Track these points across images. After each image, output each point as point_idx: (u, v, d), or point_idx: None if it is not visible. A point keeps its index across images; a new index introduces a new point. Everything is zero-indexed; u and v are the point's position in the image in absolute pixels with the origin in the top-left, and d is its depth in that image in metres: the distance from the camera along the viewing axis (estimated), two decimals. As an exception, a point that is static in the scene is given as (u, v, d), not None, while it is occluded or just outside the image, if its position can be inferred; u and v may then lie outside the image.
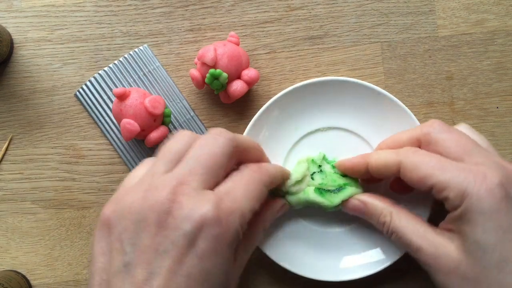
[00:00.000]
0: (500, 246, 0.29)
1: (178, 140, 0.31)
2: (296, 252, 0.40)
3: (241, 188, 0.30)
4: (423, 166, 0.32)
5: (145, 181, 0.29)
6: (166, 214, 0.27)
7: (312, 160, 0.39)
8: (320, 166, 0.39)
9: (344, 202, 0.37)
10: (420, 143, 0.34)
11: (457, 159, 0.32)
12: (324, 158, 0.39)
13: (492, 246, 0.29)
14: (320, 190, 0.37)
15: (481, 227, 0.29)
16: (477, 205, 0.29)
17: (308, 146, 0.42)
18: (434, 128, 0.33)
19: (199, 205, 0.27)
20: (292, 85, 0.41)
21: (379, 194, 0.37)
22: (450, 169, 0.31)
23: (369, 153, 0.37)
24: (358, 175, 0.37)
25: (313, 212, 0.41)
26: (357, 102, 0.41)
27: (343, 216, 0.41)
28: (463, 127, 0.35)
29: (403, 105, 0.39)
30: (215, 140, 0.30)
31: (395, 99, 0.40)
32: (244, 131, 0.42)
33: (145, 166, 0.31)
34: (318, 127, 0.42)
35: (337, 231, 0.41)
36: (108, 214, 0.28)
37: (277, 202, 0.37)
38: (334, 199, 0.37)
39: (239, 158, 0.33)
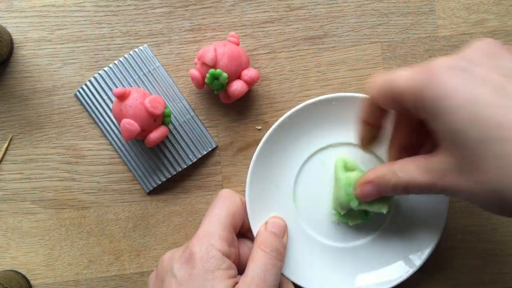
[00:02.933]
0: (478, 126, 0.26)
1: None
2: (310, 269, 0.41)
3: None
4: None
5: None
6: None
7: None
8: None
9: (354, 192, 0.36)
10: None
11: None
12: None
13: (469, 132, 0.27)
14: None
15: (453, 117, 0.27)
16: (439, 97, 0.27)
17: (320, 162, 0.41)
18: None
19: None
20: (292, 85, 0.41)
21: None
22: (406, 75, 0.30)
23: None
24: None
25: (326, 227, 0.41)
26: None
27: (356, 232, 0.41)
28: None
29: None
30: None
31: None
32: (243, 131, 0.42)
33: None
34: (329, 143, 0.41)
35: (350, 247, 0.41)
36: None
37: None
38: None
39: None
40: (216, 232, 0.35)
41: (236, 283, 0.34)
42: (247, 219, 0.40)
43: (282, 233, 0.39)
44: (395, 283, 0.40)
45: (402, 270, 0.40)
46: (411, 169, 0.32)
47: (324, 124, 0.41)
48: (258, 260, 0.35)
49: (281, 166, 0.41)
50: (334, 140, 0.41)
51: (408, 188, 0.32)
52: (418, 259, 0.40)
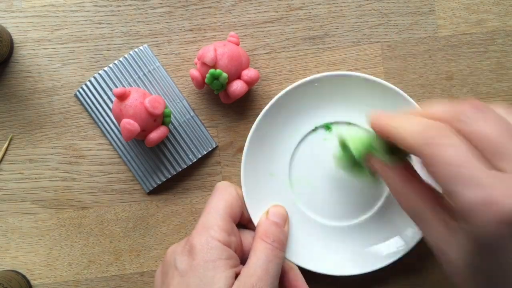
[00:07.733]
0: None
1: None
2: (314, 250, 0.41)
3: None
4: (443, 166, 0.25)
5: None
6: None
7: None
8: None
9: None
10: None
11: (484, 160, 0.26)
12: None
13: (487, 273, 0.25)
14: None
15: (477, 257, 0.25)
16: (477, 233, 0.25)
17: (310, 145, 0.42)
18: (467, 115, 0.27)
19: None
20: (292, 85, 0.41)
21: None
22: (463, 179, 0.25)
23: (401, 115, 0.30)
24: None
25: (325, 208, 0.42)
26: (353, 95, 0.41)
27: (355, 209, 0.42)
28: (500, 110, 0.28)
29: (400, 91, 0.39)
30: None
31: (392, 86, 0.40)
32: (243, 131, 0.42)
33: None
34: (316, 124, 0.42)
35: (351, 225, 0.42)
36: None
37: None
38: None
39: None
40: (214, 223, 0.35)
41: (238, 273, 0.34)
42: (247, 210, 0.40)
43: (284, 222, 0.39)
44: (396, 257, 0.40)
45: (399, 244, 0.40)
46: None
47: (311, 106, 0.42)
48: (260, 252, 0.35)
49: (274, 154, 0.42)
50: (321, 121, 0.42)
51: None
52: (416, 233, 0.40)
